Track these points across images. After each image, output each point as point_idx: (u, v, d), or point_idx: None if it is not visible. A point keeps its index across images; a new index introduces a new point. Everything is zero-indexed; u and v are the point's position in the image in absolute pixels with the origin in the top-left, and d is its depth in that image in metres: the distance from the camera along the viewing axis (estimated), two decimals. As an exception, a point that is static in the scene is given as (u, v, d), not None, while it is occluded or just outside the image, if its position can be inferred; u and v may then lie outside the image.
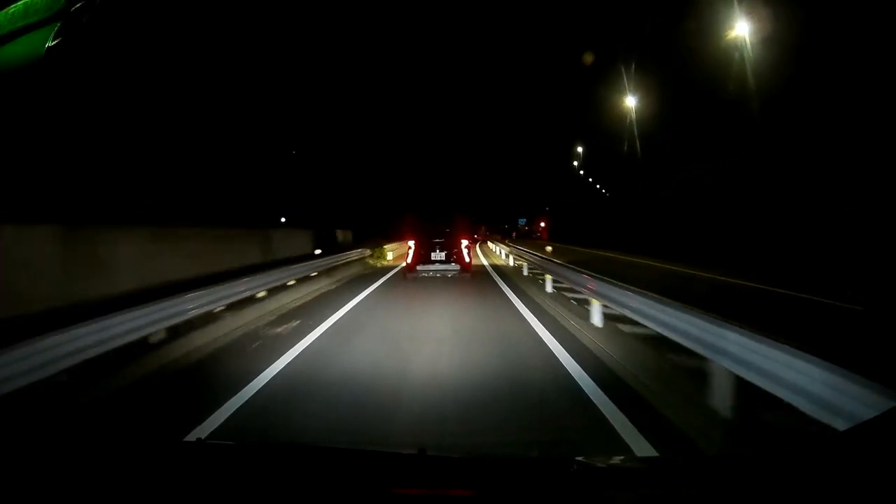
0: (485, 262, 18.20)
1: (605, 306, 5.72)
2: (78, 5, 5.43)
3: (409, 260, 11.66)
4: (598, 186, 43.89)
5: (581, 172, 45.25)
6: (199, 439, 2.89)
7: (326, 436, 2.98)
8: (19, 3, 5.42)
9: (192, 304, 5.32)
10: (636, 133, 26.10)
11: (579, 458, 1.18)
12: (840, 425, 1.89)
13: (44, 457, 1.25)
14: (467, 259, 11.57)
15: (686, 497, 1.05)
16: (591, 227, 34.96)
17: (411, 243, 11.65)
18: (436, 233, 11.63)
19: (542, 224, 72.36)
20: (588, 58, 30.38)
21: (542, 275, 10.03)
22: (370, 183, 37.27)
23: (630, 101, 25.84)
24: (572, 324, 6.17)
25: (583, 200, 44.89)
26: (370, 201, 36.04)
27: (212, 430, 3.06)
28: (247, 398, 3.59)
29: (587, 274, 7.25)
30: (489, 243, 34.71)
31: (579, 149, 42.89)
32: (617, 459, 2.27)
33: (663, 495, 1.07)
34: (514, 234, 65.42)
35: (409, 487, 1.08)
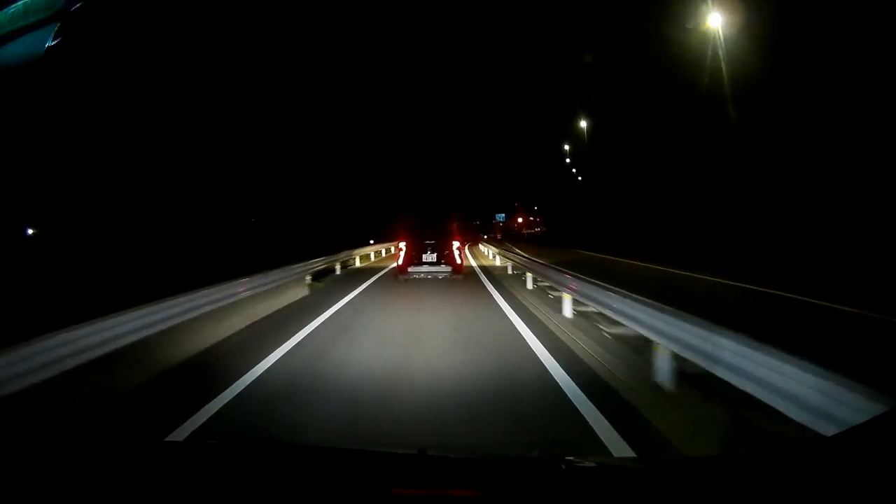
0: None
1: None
2: (78, 5, 5.46)
3: (400, 261, 11.80)
4: (580, 178, 42.57)
5: (567, 161, 43.05)
6: (196, 439, 2.90)
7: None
8: (19, 3, 5.44)
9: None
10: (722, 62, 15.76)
11: (569, 458, 1.20)
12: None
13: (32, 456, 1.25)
14: (459, 260, 11.65)
15: (674, 496, 1.07)
16: (600, 226, 32.84)
17: (402, 244, 11.80)
18: (427, 234, 11.70)
19: (521, 220, 69.66)
20: (588, 59, 30.39)
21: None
22: (355, 179, 37.23)
23: (714, 21, 14.87)
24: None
25: (583, 195, 41.31)
26: (358, 200, 36.07)
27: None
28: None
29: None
30: (481, 246, 27.26)
31: (582, 123, 34.56)
32: (608, 459, 2.29)
33: (654, 494, 1.09)
34: (498, 233, 54.87)
35: (409, 488, 1.10)
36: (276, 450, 1.53)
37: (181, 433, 2.98)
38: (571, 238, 30.89)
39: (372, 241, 20.23)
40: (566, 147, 43.02)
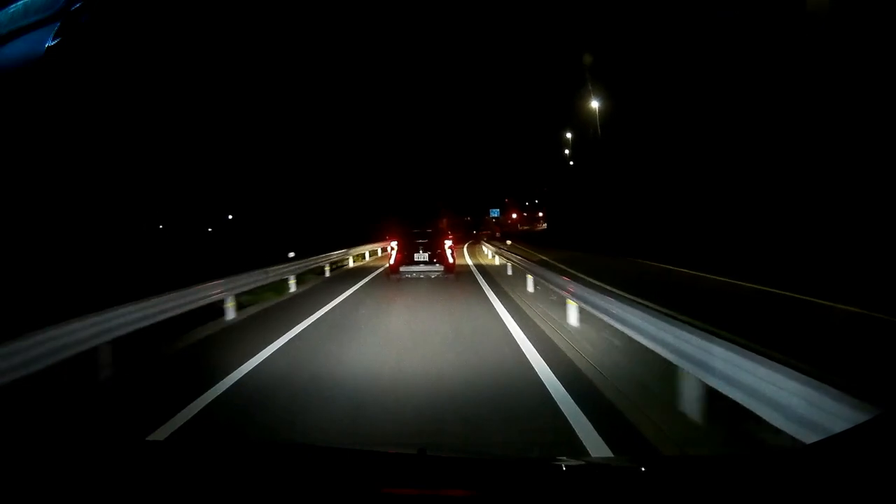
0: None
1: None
2: (78, 5, 5.44)
3: (391, 261, 11.82)
4: (578, 173, 41.13)
5: (566, 151, 41.55)
6: (192, 438, 2.89)
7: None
8: (19, 2, 5.43)
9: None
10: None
11: (565, 458, 1.22)
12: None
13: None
14: (451, 259, 11.63)
15: (667, 496, 1.10)
16: (621, 224, 28.46)
17: (394, 244, 11.83)
18: (418, 233, 11.73)
19: (515, 216, 68.68)
20: (588, 59, 30.30)
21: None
22: (343, 178, 36.82)
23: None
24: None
25: (592, 190, 37.37)
26: (350, 200, 35.69)
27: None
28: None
29: None
30: (484, 247, 23.12)
31: (594, 104, 30.72)
32: (604, 459, 2.31)
33: (649, 494, 1.11)
34: (496, 231, 47.67)
35: (409, 487, 1.10)
36: (274, 449, 1.53)
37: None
38: (588, 239, 27.97)
39: (292, 255, 13.79)
40: (568, 135, 41.62)
